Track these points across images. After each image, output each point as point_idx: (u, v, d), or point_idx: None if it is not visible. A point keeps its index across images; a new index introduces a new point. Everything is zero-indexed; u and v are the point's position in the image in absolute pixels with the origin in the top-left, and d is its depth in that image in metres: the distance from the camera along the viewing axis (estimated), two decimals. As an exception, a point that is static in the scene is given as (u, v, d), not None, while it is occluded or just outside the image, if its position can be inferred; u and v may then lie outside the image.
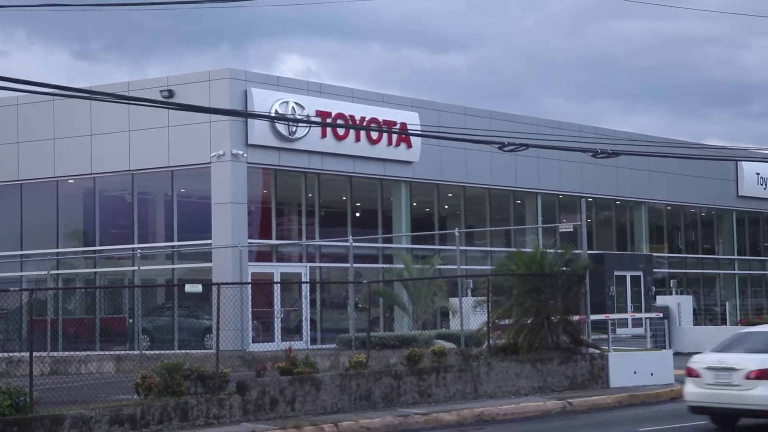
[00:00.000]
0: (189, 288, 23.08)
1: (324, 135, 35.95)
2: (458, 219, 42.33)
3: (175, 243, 35.42)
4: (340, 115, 35.90)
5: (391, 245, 38.66)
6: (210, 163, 34.02)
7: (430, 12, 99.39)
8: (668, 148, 43.30)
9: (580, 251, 23.88)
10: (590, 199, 45.38)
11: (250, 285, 29.59)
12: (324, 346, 31.32)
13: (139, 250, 34.17)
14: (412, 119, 37.23)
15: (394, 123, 36.82)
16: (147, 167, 35.50)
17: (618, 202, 49.36)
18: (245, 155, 33.87)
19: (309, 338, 32.97)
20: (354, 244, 31.38)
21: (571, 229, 26.64)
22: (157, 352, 28.30)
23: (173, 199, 35.82)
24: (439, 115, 38.66)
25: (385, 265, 37.50)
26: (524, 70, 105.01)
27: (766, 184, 54.87)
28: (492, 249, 42.18)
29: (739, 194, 54.03)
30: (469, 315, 24.89)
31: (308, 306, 34.01)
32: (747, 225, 56.35)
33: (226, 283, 22.20)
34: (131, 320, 34.46)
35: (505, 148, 23.58)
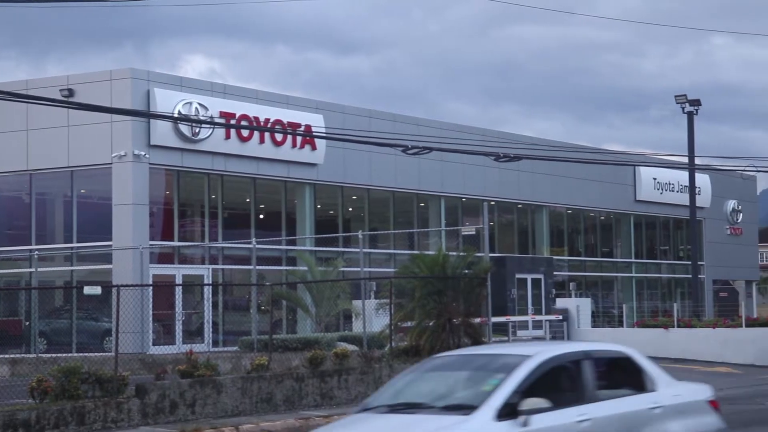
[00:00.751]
0: (88, 290, 22.70)
1: (228, 136, 35.71)
2: (362, 221, 42.41)
3: (75, 244, 34.80)
4: (245, 117, 35.69)
5: (295, 247, 38.57)
6: (111, 163, 33.50)
7: (334, 15, 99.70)
8: (569, 153, 44.04)
9: (482, 254, 24.15)
10: (493, 203, 45.90)
11: (151, 287, 29.19)
12: (226, 349, 31.06)
13: (36, 252, 33.45)
14: (316, 121, 37.23)
15: (299, 125, 36.74)
16: (46, 167, 34.81)
17: (520, 206, 50.02)
18: (147, 156, 33.44)
19: (211, 341, 32.67)
20: (257, 246, 31.22)
21: (474, 232, 26.96)
22: (54, 355, 27.70)
23: (73, 199, 35.18)
24: (343, 118, 38.71)
25: (288, 268, 37.40)
26: (428, 73, 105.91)
27: (662, 189, 56.18)
28: (395, 251, 42.36)
29: (637, 198, 55.21)
30: (372, 317, 24.97)
31: (210, 308, 33.71)
32: (644, 229, 57.62)
33: (126, 285, 21.88)
34: (28, 323, 33.71)
35: (409, 151, 23.73)
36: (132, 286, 25.46)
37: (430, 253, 25.91)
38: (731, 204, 61.45)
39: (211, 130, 34.21)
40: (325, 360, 20.24)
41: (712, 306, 52.97)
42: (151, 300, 30.11)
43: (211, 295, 34.04)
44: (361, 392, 20.25)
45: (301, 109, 38.36)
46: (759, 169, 42.82)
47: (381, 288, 26.81)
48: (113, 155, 33.27)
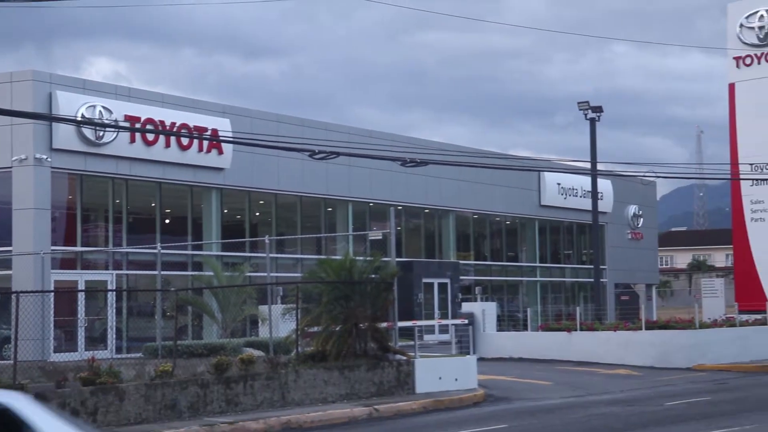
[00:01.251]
0: (-15, 297, 22.14)
1: (133, 140, 35.25)
2: (269, 226, 42.26)
3: (-27, 250, 33.96)
4: (150, 121, 35.28)
5: (201, 252, 38.24)
6: (11, 167, 32.80)
7: (242, 19, 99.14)
8: (476, 158, 44.48)
9: (389, 258, 24.22)
10: (400, 207, 46.16)
11: (52, 293, 28.63)
12: (130, 356, 30.62)
13: (-68, 257, 32.57)
14: (223, 126, 36.98)
15: (206, 129, 36.46)
16: (-57, 170, 33.91)
17: (427, 211, 50.37)
18: (49, 160, 32.82)
19: (114, 347, 32.18)
20: (162, 251, 30.84)
21: (381, 237, 27.02)
22: (-49, 364, 26.99)
23: (-29, 203, 34.33)
24: (251, 122, 38.51)
25: (194, 273, 37.06)
26: (337, 78, 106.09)
27: (566, 194, 57.13)
28: (303, 256, 42.31)
29: (542, 203, 56.06)
30: (279, 323, 24.86)
31: (114, 315, 33.20)
32: (549, 233, 58.51)
33: (26, 292, 21.43)
34: None
35: (316, 156, 23.67)
36: (32, 292, 24.97)
37: (337, 257, 25.93)
38: (632, 209, 62.78)
39: (115, 133, 33.72)
40: (230, 366, 20.08)
41: (614, 309, 54.01)
42: (52, 306, 29.52)
43: (114, 301, 33.53)
44: (267, 398, 20.16)
45: (208, 113, 38.07)
46: (658, 174, 43.89)
47: (288, 293, 26.72)
48: (14, 159, 32.58)
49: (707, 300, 45.30)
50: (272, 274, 31.66)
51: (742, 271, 44.59)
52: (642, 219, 63.56)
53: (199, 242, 38.11)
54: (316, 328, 23.00)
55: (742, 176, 43.20)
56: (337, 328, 22.65)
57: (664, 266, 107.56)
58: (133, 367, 22.59)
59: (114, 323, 32.92)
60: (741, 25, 45.03)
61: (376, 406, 20.65)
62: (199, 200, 39.39)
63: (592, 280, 45.59)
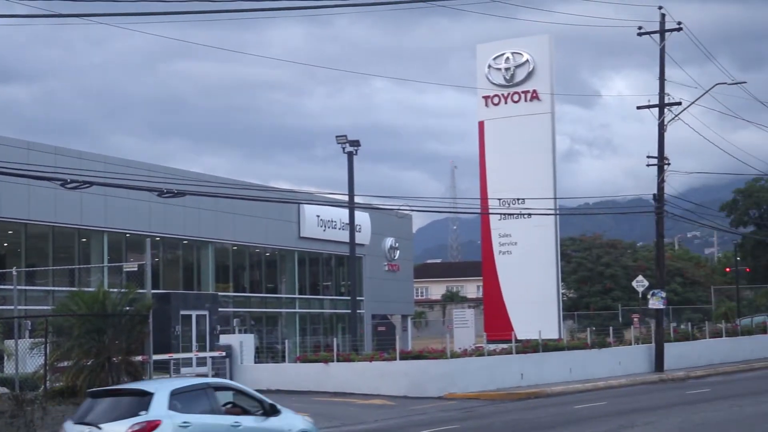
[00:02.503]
0: None
1: None
2: (19, 257, 40.58)
3: None
4: None
5: (-57, 284, 36.20)
6: None
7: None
8: (235, 190, 44.36)
9: (145, 291, 23.76)
10: (158, 239, 45.37)
11: None
12: None
13: None
14: (-31, 151, 35.24)
15: (-51, 154, 34.63)
16: None
17: (186, 242, 49.74)
18: None
19: None
20: None
21: (137, 269, 26.45)
22: None
23: None
24: (-1, 149, 36.91)
25: (-65, 306, 35.02)
26: (93, 106, 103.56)
27: (325, 226, 57.85)
28: (54, 288, 40.82)
29: (301, 235, 56.51)
30: (26, 358, 23.85)
31: None
32: (308, 265, 59.02)
33: None
34: None
35: (68, 185, 22.99)
36: None
37: (90, 290, 25.18)
38: (389, 241, 64.29)
39: None
40: (-28, 404, 19.11)
41: (371, 340, 55.03)
42: None
43: None
44: (11, 437, 19.31)
45: (-48, 137, 36.23)
46: (413, 208, 45.26)
47: (37, 326, 25.69)
48: None
49: (458, 330, 46.96)
50: (20, 307, 30.39)
51: (491, 302, 46.45)
52: (398, 251, 65.18)
53: (-59, 274, 36.05)
54: (66, 363, 22.24)
55: (491, 211, 45.11)
56: (89, 363, 21.98)
57: (419, 297, 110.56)
58: None
59: None
60: (489, 66, 47.16)
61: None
62: (-59, 229, 37.35)
63: (350, 311, 46.30)
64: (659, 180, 40.84)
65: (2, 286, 37.52)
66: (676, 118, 41.00)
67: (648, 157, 41.18)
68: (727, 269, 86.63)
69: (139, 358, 23.03)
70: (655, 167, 40.95)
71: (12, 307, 28.30)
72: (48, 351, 21.74)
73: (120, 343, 22.44)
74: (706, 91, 41.85)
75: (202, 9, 19.97)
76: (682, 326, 52.46)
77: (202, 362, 40.41)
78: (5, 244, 41.80)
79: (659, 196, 40.96)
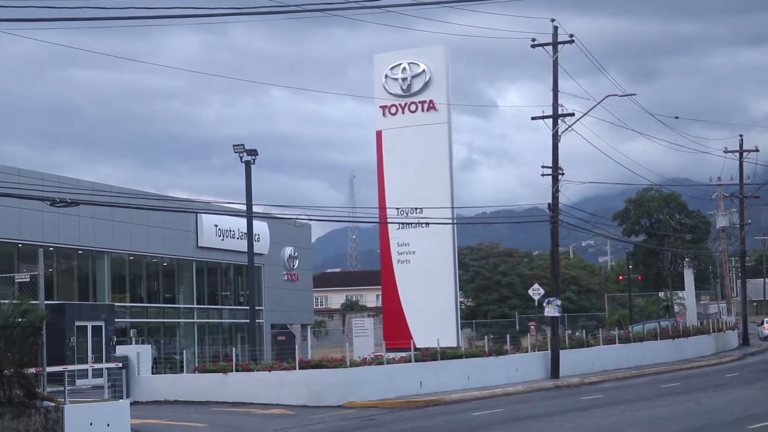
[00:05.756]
0: None
1: None
2: None
3: None
4: None
5: None
6: None
7: None
8: (131, 199, 43.81)
9: (38, 302, 23.33)
10: (51, 248, 44.52)
11: None
12: None
13: None
14: None
15: None
16: None
17: (81, 252, 48.89)
18: None
19: None
20: None
21: (29, 279, 25.90)
22: None
23: None
24: None
25: None
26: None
27: (224, 236, 57.47)
28: (-57, 300, 39.67)
29: (199, 245, 56.03)
30: None
31: None
32: (206, 275, 58.55)
33: None
34: None
35: (-42, 194, 22.49)
36: None
37: (-20, 301, 24.58)
38: (288, 251, 64.15)
39: None
40: None
41: (271, 349, 54.84)
42: None
43: None
44: None
45: None
46: (312, 217, 45.24)
47: (-75, 339, 24.95)
48: None
49: (358, 339, 47.12)
50: None
51: (390, 310, 46.71)
52: (298, 260, 65.09)
53: None
54: (-44, 376, 21.69)
55: (389, 220, 45.40)
56: (-20, 375, 21.48)
57: (319, 306, 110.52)
58: None
59: None
60: (386, 76, 47.48)
61: (20, 456, 19.76)
62: None
63: (249, 321, 46.06)
64: (554, 190, 41.62)
65: None
66: (570, 128, 41.86)
67: (543, 167, 41.97)
68: (620, 277, 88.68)
69: (33, 370, 22.60)
70: (550, 177, 41.73)
71: None
72: (-64, 364, 21.17)
73: (12, 355, 22.00)
74: (598, 103, 42.89)
75: (93, 16, 19.74)
76: (577, 333, 53.48)
77: (98, 374, 39.78)
78: None
79: (554, 206, 41.74)
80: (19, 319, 22.60)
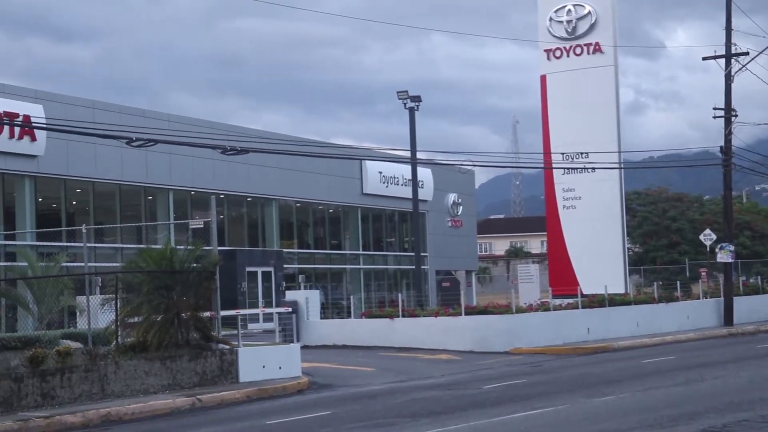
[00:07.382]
0: None
1: (-61, 125, 33.68)
2: (87, 215, 41.15)
3: None
4: (-43, 105, 33.76)
5: (14, 242, 36.88)
6: None
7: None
8: (297, 146, 44.48)
9: (211, 247, 23.96)
10: (222, 196, 45.73)
11: None
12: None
13: None
14: (36, 111, 35.72)
15: (17, 115, 35.15)
16: None
17: (249, 199, 50.07)
18: None
19: None
20: (-28, 241, 29.59)
21: (202, 226, 26.64)
22: None
23: None
24: (65, 108, 37.36)
25: (7, 264, 35.71)
26: (152, 64, 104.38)
27: (388, 183, 57.82)
28: (122, 246, 41.38)
29: (364, 192, 56.56)
30: (98, 313, 24.22)
31: None
32: (371, 221, 59.12)
33: None
34: None
35: (134, 143, 23.20)
36: None
37: (157, 247, 25.45)
38: (452, 197, 64.10)
39: None
40: (46, 359, 19.47)
41: (436, 295, 55.08)
42: None
43: None
44: (85, 390, 19.67)
45: (19, 98, 36.72)
46: (476, 163, 44.97)
47: (107, 283, 26.05)
48: None
49: (523, 285, 46.75)
50: (90, 264, 30.88)
51: (556, 256, 46.13)
52: (461, 207, 64.99)
53: (12, 232, 36.75)
54: (136, 319, 22.57)
55: (554, 165, 44.68)
56: (159, 318, 22.29)
57: (483, 253, 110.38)
58: (-59, 363, 21.68)
59: None
60: (551, 19, 46.47)
61: (199, 396, 20.43)
62: (11, 188, 37.96)
63: (414, 267, 46.31)
64: (726, 132, 40.10)
65: (73, 244, 38.14)
66: (744, 68, 40.12)
67: (714, 108, 40.43)
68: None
69: (207, 314, 23.29)
70: (722, 119, 40.20)
71: (83, 264, 28.76)
72: (118, 307, 22.06)
73: (188, 299, 22.71)
74: (776, 40, 40.90)
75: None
76: (752, 280, 51.69)
77: (268, 318, 40.82)
78: (74, 203, 42.39)
79: (726, 149, 40.25)
80: (194, 264, 23.29)
